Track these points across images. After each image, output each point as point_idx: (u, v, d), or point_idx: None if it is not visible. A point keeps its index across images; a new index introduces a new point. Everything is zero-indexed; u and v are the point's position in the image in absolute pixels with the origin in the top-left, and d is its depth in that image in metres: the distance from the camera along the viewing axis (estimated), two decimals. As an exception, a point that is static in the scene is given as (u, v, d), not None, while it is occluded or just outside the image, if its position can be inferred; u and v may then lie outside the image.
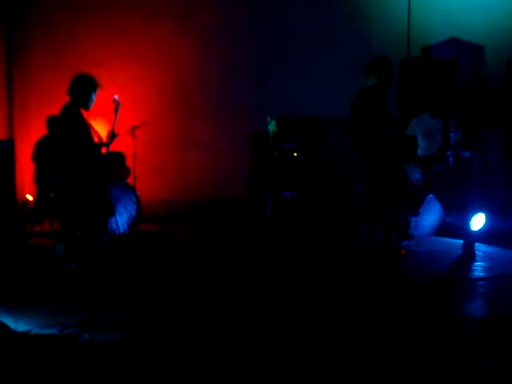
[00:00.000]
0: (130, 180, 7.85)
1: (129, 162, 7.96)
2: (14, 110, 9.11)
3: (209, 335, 3.93)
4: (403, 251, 6.50)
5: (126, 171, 7.93)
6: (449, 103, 6.97)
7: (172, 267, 5.95)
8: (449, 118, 6.71)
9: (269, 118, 7.86)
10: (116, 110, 6.18)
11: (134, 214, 7.45)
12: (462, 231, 6.66)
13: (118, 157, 7.84)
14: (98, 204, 5.94)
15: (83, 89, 5.79)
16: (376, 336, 3.95)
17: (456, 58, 8.11)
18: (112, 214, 6.20)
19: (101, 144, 6.02)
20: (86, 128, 5.81)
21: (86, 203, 5.84)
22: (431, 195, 6.90)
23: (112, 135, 6.10)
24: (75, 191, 5.78)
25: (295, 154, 7.72)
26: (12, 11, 9.00)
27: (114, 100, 6.22)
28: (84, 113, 5.84)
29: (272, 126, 7.89)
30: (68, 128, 5.75)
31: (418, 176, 6.77)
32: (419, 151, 6.88)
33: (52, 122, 7.63)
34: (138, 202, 7.49)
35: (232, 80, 8.96)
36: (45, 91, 8.70)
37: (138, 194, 7.55)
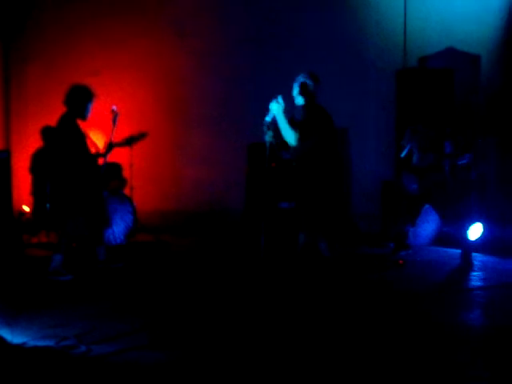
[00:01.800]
0: (126, 191, 7.84)
1: (126, 173, 7.95)
2: (10, 121, 9.11)
3: (206, 348, 3.92)
4: (401, 261, 6.50)
5: (123, 182, 7.92)
6: (445, 113, 7.00)
7: (169, 278, 5.93)
8: (444, 128, 6.74)
9: (266, 128, 7.84)
10: (114, 121, 6.19)
11: (130, 224, 7.43)
12: (460, 241, 6.67)
13: (115, 167, 7.83)
14: (94, 215, 5.94)
15: (79, 99, 5.78)
16: (372, 347, 3.94)
17: (452, 68, 8.15)
18: (108, 224, 6.19)
19: (98, 155, 6.02)
20: (83, 139, 5.81)
21: (82, 214, 5.84)
22: (428, 205, 6.91)
23: (109, 146, 6.11)
24: (72, 202, 5.77)
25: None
26: (10, 23, 9.01)
27: (112, 110, 6.24)
28: (81, 123, 5.84)
29: (269, 137, 7.86)
30: (64, 139, 5.75)
31: (414, 186, 6.78)
32: (415, 161, 6.90)
33: (47, 132, 7.62)
34: (134, 213, 7.48)
35: (229, 91, 8.97)
36: (42, 102, 8.70)
37: (134, 204, 7.54)
